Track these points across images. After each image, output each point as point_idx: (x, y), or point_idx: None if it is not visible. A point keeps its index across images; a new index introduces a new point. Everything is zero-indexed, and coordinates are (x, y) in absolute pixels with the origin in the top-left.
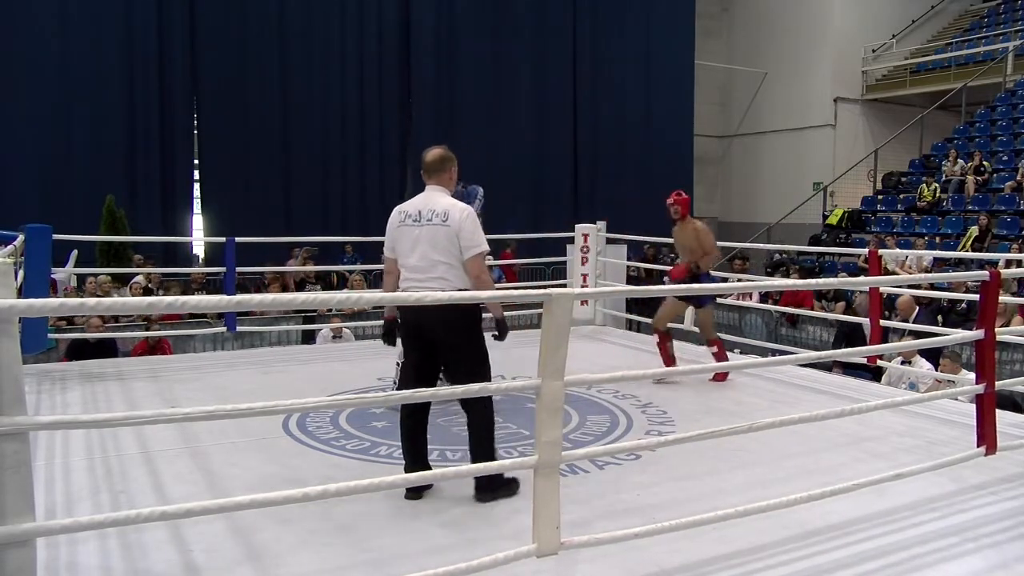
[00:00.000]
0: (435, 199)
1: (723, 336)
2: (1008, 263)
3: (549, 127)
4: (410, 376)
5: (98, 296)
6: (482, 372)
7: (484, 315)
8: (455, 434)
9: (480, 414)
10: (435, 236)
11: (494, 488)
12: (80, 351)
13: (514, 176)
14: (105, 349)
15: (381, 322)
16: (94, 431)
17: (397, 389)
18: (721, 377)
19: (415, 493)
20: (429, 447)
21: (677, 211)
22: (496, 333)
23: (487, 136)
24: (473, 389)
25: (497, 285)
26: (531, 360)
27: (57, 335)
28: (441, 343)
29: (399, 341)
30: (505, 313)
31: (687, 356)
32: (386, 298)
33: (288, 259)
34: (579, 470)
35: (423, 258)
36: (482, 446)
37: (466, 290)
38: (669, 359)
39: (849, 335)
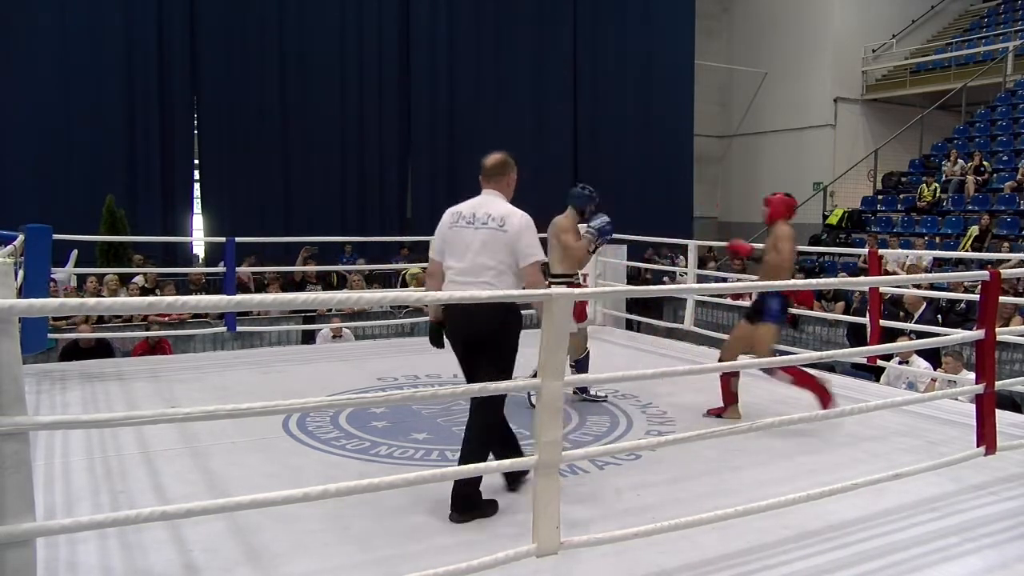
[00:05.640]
0: (492, 203)
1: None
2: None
3: (549, 127)
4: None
5: (103, 296)
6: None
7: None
8: (455, 434)
9: (483, 417)
10: (490, 240)
11: (470, 508)
12: (74, 354)
13: None
14: (99, 352)
15: (386, 322)
16: (94, 431)
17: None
18: (825, 399)
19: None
20: (429, 447)
21: (764, 213)
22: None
23: (487, 137)
24: (473, 389)
25: None
26: (531, 360)
27: (57, 335)
28: (476, 344)
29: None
30: None
31: (687, 356)
32: (386, 298)
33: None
34: (579, 470)
35: (472, 262)
36: (472, 450)
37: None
38: (730, 396)
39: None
